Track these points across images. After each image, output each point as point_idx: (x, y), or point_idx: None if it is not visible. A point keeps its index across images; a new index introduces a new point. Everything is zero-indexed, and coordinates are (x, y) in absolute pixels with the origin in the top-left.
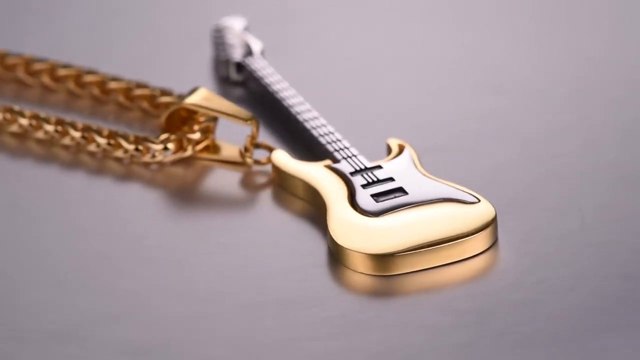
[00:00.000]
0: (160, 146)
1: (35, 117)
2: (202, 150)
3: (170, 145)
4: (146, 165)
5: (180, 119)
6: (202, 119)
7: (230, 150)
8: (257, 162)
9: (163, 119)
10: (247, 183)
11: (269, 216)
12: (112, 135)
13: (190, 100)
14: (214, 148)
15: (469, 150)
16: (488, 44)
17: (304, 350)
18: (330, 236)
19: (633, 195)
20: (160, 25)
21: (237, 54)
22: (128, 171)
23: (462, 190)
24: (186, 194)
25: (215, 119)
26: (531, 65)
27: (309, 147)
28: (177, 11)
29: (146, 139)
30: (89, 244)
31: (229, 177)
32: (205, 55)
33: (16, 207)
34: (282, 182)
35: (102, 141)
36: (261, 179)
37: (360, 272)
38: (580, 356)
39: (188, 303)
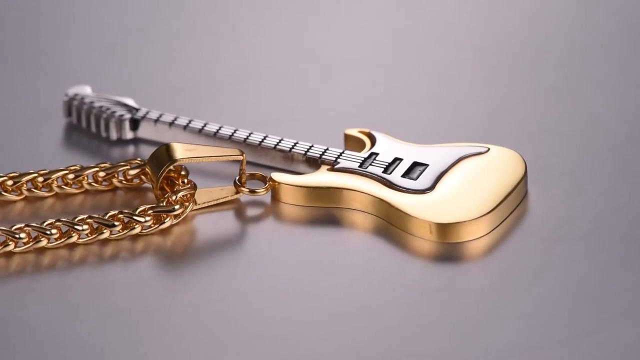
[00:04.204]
0: (169, 209)
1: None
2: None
3: (177, 207)
4: (149, 235)
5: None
6: (183, 172)
7: (214, 192)
8: (252, 191)
9: (158, 184)
10: (250, 216)
11: (304, 235)
12: (114, 217)
13: (180, 156)
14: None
15: (405, 119)
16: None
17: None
18: (420, 219)
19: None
20: None
21: (122, 113)
22: (142, 245)
23: (466, 145)
24: (215, 245)
25: (187, 172)
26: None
27: (272, 166)
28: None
29: (152, 208)
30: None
31: (226, 218)
32: (56, 127)
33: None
34: (292, 199)
35: (105, 224)
36: (259, 208)
37: (458, 241)
38: None
39: (329, 332)
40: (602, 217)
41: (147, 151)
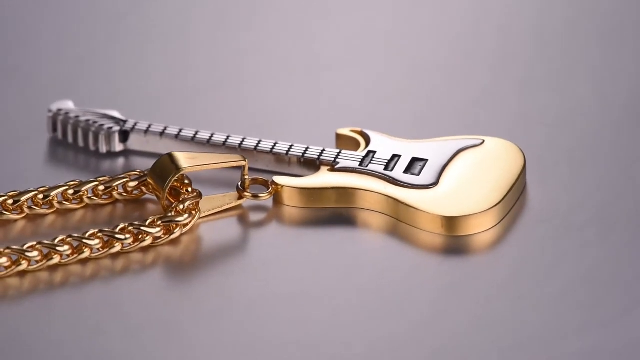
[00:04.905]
0: (181, 218)
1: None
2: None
3: (186, 215)
4: (158, 246)
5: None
6: (186, 181)
7: (217, 199)
8: (256, 196)
9: (164, 195)
10: (254, 221)
11: (311, 237)
12: (124, 230)
13: (185, 164)
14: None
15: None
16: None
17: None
18: (431, 214)
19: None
20: None
21: (111, 125)
22: (152, 256)
23: (461, 138)
24: (224, 252)
25: (190, 181)
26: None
27: (266, 170)
28: None
29: (161, 219)
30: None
31: (231, 224)
32: (40, 144)
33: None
34: (295, 202)
35: (119, 238)
36: (262, 213)
37: (468, 234)
38: None
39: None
40: (606, 200)
41: (136, 162)
